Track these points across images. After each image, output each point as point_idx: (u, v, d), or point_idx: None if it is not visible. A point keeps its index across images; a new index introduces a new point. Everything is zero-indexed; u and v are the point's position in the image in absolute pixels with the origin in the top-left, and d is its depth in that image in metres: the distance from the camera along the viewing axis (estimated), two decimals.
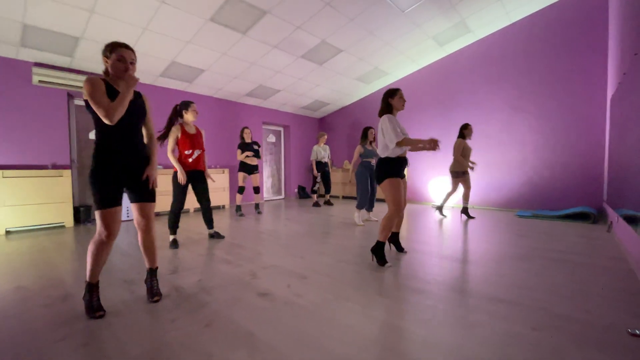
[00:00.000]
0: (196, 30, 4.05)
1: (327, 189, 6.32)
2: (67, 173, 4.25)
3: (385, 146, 2.52)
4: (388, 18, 4.48)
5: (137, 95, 1.80)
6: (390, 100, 2.59)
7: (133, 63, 1.70)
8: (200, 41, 4.31)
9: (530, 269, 2.34)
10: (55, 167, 4.39)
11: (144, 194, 1.81)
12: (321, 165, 6.15)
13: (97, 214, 1.64)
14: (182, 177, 3.05)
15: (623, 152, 3.05)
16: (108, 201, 1.64)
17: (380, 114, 2.64)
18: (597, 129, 4.64)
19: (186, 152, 3.10)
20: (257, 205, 5.42)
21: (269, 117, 7.50)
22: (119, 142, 1.68)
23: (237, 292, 1.95)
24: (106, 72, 1.70)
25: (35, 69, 4.06)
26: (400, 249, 2.84)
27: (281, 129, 8.13)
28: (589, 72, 4.67)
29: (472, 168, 4.72)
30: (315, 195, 6.33)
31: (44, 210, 4.08)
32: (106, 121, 1.55)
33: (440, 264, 2.50)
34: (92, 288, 1.68)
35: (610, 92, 4.15)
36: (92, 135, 4.93)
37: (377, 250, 2.49)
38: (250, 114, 7.08)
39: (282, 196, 8.18)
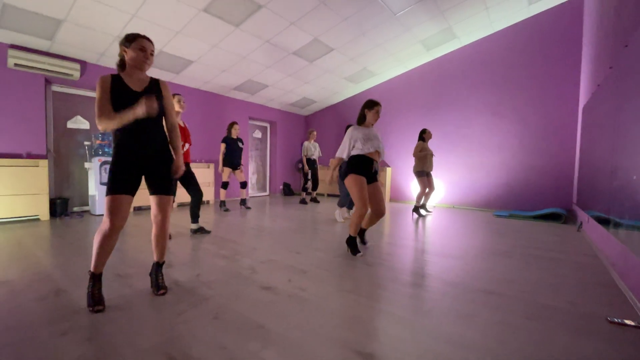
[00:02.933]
0: (188, 20, 3.94)
1: (315, 186, 6.34)
2: (44, 163, 4.03)
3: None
4: (380, 20, 4.56)
5: (155, 84, 1.77)
6: (367, 111, 2.75)
7: (153, 54, 1.72)
8: (191, 32, 4.21)
9: (513, 264, 2.50)
10: (30, 156, 4.14)
11: (162, 187, 1.79)
12: (310, 163, 6.14)
13: (105, 201, 1.61)
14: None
15: (592, 158, 3.30)
16: (120, 187, 1.61)
17: (357, 121, 2.83)
18: (569, 136, 4.98)
19: None
20: (243, 201, 5.37)
21: (256, 113, 7.43)
22: (136, 136, 1.66)
23: (239, 286, 1.95)
24: (121, 63, 1.69)
25: (11, 52, 3.80)
26: (362, 241, 2.97)
27: (267, 125, 8.07)
28: (563, 82, 4.99)
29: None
30: (304, 193, 6.34)
31: (17, 202, 3.84)
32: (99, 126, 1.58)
33: (430, 259, 2.61)
34: (95, 278, 1.64)
35: (582, 102, 4.46)
36: (70, 124, 4.69)
37: (349, 242, 2.71)
38: (237, 108, 6.98)
39: (267, 193, 8.13)
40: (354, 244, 2.69)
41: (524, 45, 5.30)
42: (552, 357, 1.24)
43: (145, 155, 1.71)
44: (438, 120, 6.29)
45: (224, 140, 5.01)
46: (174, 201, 1.83)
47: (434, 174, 5.94)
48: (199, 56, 4.89)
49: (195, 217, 3.36)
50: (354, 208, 2.67)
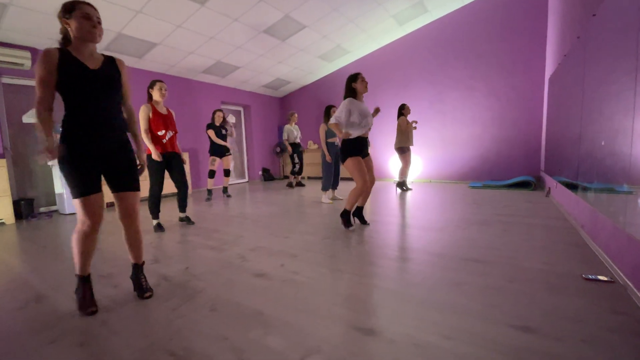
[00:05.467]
0: None
1: (300, 170, 6.29)
2: (2, 162, 3.71)
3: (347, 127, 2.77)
4: None
5: (110, 62, 1.57)
6: (354, 84, 2.78)
7: (100, 22, 1.47)
8: (153, 11, 3.91)
9: (492, 232, 2.64)
10: None
11: (127, 182, 1.62)
12: (294, 146, 6.05)
13: (75, 203, 1.46)
14: (156, 155, 2.90)
15: (559, 127, 3.48)
16: (87, 187, 1.46)
17: (345, 98, 2.82)
18: (536, 107, 5.20)
19: (159, 133, 2.95)
20: (225, 189, 5.27)
21: (228, 97, 7.15)
22: (92, 121, 1.46)
23: (231, 275, 1.93)
24: (65, 38, 1.45)
25: None
26: (363, 221, 3.03)
27: (241, 108, 7.81)
28: (529, 53, 5.15)
29: (415, 127, 5.14)
30: (292, 176, 6.25)
31: None
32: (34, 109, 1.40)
33: (415, 233, 2.70)
34: (85, 281, 1.56)
35: (548, 73, 4.64)
36: (25, 118, 4.31)
37: (344, 215, 2.86)
38: (208, 92, 6.68)
39: (246, 179, 7.99)
40: (348, 217, 2.82)
41: (492, 18, 5.37)
42: (537, 315, 1.34)
43: (106, 146, 1.53)
44: (412, 96, 6.34)
45: (209, 127, 4.89)
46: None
47: (412, 148, 6.05)
48: (163, 38, 4.58)
49: (183, 207, 3.33)
50: (355, 186, 2.77)
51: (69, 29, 1.42)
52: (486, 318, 1.33)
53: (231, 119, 7.53)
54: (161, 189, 3.06)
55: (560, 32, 3.72)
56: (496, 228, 2.74)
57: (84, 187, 1.46)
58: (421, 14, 5.54)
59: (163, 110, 3.02)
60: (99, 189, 1.52)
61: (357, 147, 2.77)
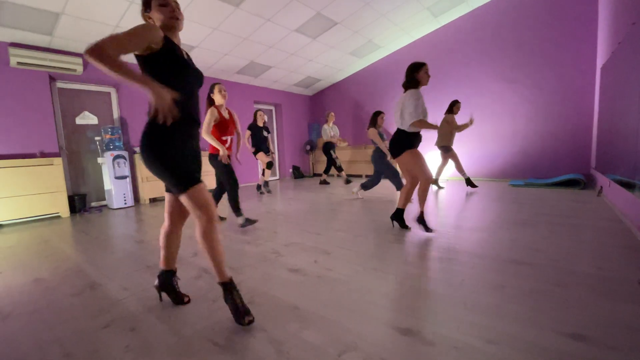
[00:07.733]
0: (187, 3, 3.81)
1: (338, 166, 6.24)
2: (58, 161, 4.06)
3: (404, 119, 2.61)
4: None
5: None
6: (416, 74, 2.61)
7: (178, 7, 1.40)
8: (191, 15, 4.08)
9: (537, 232, 2.48)
10: (43, 155, 4.17)
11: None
12: (331, 145, 6.05)
13: (187, 197, 1.33)
14: (224, 155, 2.90)
15: (614, 120, 3.19)
16: (196, 175, 1.40)
17: (406, 87, 2.68)
18: (586, 98, 4.80)
19: (223, 138, 2.95)
20: (266, 183, 5.48)
21: (260, 96, 7.31)
22: (188, 113, 1.40)
23: (267, 270, 1.98)
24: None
25: (12, 50, 3.75)
26: (404, 225, 2.76)
27: (273, 107, 7.96)
28: (578, 41, 4.76)
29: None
30: (343, 173, 6.13)
31: (36, 201, 3.91)
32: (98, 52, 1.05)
33: (454, 233, 2.61)
34: (232, 286, 1.45)
35: (600, 62, 4.27)
36: (79, 120, 4.68)
37: (398, 217, 2.73)
38: (241, 92, 6.87)
39: (277, 177, 8.14)
40: (402, 218, 2.73)
41: (535, 5, 5.02)
42: (588, 321, 1.24)
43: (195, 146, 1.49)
44: (447, 90, 6.11)
45: (249, 128, 4.97)
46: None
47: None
48: (200, 40, 4.77)
49: (236, 210, 3.09)
50: (420, 183, 2.62)
51: (151, 22, 1.36)
52: (532, 323, 1.26)
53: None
54: (237, 185, 3.04)
55: (613, 17, 3.41)
56: (541, 229, 2.58)
57: (196, 175, 1.41)
58: (458, 4, 5.31)
59: (225, 114, 2.98)
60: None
61: (414, 141, 2.65)
